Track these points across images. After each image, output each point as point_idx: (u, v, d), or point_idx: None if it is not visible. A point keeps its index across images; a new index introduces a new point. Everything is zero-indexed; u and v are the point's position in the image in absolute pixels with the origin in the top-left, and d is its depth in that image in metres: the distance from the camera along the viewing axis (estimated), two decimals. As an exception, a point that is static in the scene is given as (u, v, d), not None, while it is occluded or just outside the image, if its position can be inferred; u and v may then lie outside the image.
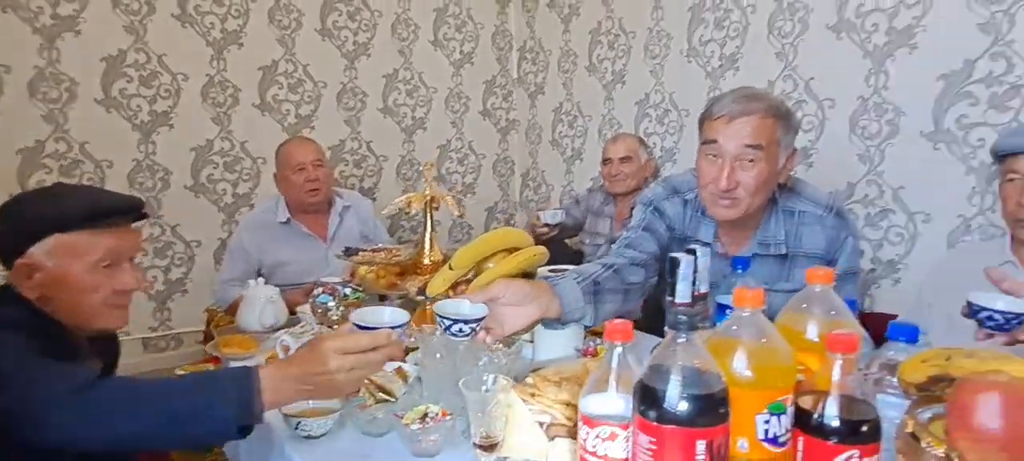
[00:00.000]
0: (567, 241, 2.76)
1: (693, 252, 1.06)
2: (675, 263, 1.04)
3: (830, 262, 1.41)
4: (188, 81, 2.88)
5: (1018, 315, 0.96)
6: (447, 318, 1.06)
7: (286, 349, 1.46)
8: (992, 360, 0.71)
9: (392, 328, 1.05)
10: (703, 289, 1.11)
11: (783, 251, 1.42)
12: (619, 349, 0.79)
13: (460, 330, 1.06)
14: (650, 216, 1.53)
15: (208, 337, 2.54)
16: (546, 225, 2.56)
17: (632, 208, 2.45)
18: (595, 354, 1.43)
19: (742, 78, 2.45)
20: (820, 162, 2.23)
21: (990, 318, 0.97)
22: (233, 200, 3.06)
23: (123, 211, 1.16)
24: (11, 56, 2.51)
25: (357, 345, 0.97)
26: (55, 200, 1.15)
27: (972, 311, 1.00)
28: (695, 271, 1.05)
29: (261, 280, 1.85)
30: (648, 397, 0.71)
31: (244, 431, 0.94)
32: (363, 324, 1.04)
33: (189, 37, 2.85)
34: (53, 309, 1.10)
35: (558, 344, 1.45)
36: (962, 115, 1.87)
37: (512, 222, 3.94)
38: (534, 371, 1.39)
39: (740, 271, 1.27)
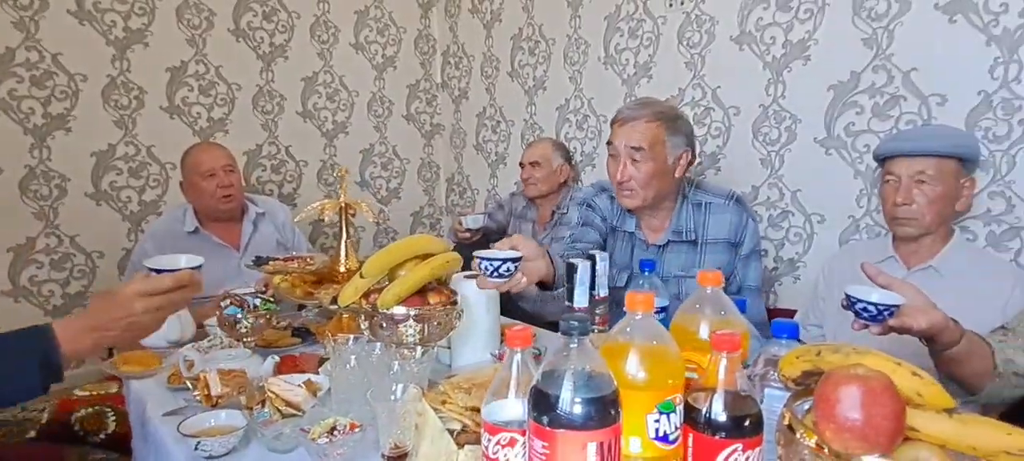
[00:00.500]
0: (491, 245, 2.77)
1: (592, 258, 1.10)
2: (572, 269, 1.07)
3: (736, 244, 1.65)
4: (87, 82, 2.71)
5: (888, 306, 1.02)
6: (495, 259, 1.20)
7: (190, 365, 1.40)
8: (854, 354, 0.77)
9: (191, 269, 1.10)
10: (602, 293, 1.14)
11: (693, 238, 1.64)
12: (518, 355, 0.80)
13: (508, 270, 1.20)
14: (585, 212, 1.75)
15: (111, 352, 2.40)
16: (468, 230, 2.58)
17: (553, 212, 2.51)
18: (510, 359, 1.45)
19: (655, 85, 2.54)
20: (727, 166, 2.35)
21: (864, 309, 1.04)
22: (139, 208, 2.90)
23: None
24: None
25: (160, 286, 1.03)
26: None
27: (849, 303, 1.06)
28: (593, 276, 1.08)
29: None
30: (541, 402, 0.72)
31: (47, 387, 0.98)
32: (161, 268, 1.08)
33: (88, 35, 2.68)
34: None
35: (475, 349, 1.46)
36: (850, 123, 2.01)
37: (438, 226, 3.92)
38: (449, 378, 1.40)
39: (647, 273, 1.32)
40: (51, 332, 0.97)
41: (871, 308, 1.03)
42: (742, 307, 1.03)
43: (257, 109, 3.18)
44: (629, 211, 1.69)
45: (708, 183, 1.74)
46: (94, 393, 2.06)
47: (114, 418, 1.96)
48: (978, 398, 1.19)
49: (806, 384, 0.84)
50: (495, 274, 1.20)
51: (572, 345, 0.73)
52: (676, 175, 1.62)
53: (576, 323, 0.72)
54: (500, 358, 1.44)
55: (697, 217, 1.66)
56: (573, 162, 2.80)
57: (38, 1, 2.56)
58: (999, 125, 1.73)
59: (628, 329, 0.81)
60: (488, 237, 2.75)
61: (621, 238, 1.75)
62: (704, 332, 0.93)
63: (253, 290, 1.87)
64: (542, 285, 1.40)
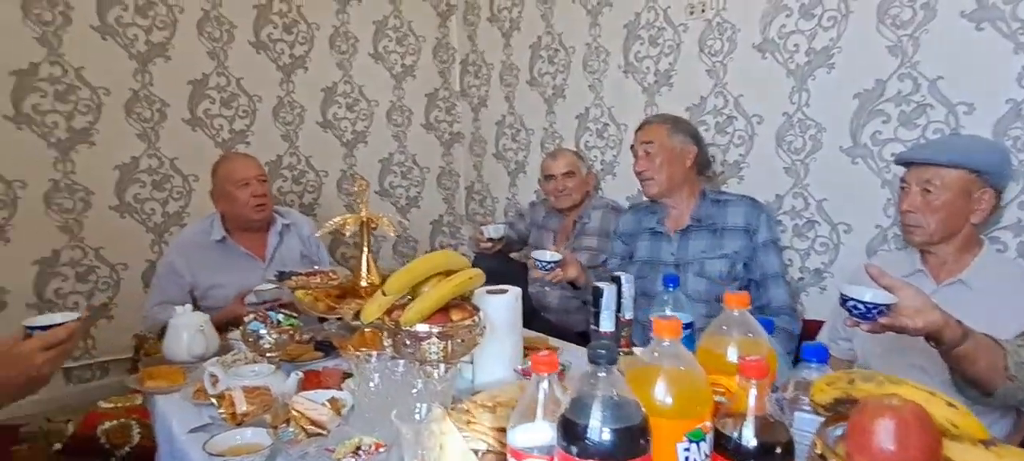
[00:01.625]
0: (512, 255, 2.77)
1: (617, 280, 1.08)
2: (598, 293, 1.06)
3: (752, 232, 1.93)
4: (110, 96, 2.75)
5: (879, 305, 1.05)
6: (542, 260, 1.79)
7: (215, 380, 1.41)
8: (889, 384, 0.75)
9: (74, 320, 1.21)
10: (628, 316, 1.13)
11: (714, 225, 1.95)
12: (545, 381, 0.79)
13: (552, 266, 1.79)
14: (622, 244, 2.17)
15: (136, 365, 2.43)
16: (490, 239, 2.56)
17: (575, 222, 2.49)
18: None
19: (676, 93, 2.52)
20: (750, 175, 2.32)
21: (855, 307, 1.07)
22: (162, 220, 2.94)
23: None
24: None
25: (57, 338, 1.15)
26: None
27: (842, 301, 1.09)
28: (619, 299, 1.07)
29: (188, 307, 1.78)
30: (570, 431, 0.71)
31: None
32: (43, 324, 1.19)
33: (110, 49, 2.73)
34: None
35: (498, 365, 1.45)
36: (876, 131, 1.97)
37: (457, 235, 3.93)
38: (472, 395, 1.39)
39: (672, 288, 1.30)
40: None
41: (861, 306, 1.06)
42: (768, 327, 1.01)
43: (278, 120, 3.21)
44: (651, 201, 2.08)
45: (726, 190, 2.09)
46: (119, 406, 2.08)
47: (139, 431, 1.98)
48: (994, 400, 1.18)
49: (837, 411, 0.82)
50: (542, 268, 1.77)
51: (600, 373, 0.72)
52: (686, 164, 1.99)
53: (603, 352, 0.71)
54: (524, 374, 1.43)
55: (715, 209, 1.97)
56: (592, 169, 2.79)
57: (61, 16, 2.61)
58: (1029, 134, 1.69)
59: (656, 355, 0.80)
60: (510, 247, 2.74)
61: (643, 237, 2.08)
62: (732, 355, 0.92)
63: (272, 288, 1.91)
64: (573, 285, 1.92)
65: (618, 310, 1.06)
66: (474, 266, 1.41)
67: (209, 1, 2.94)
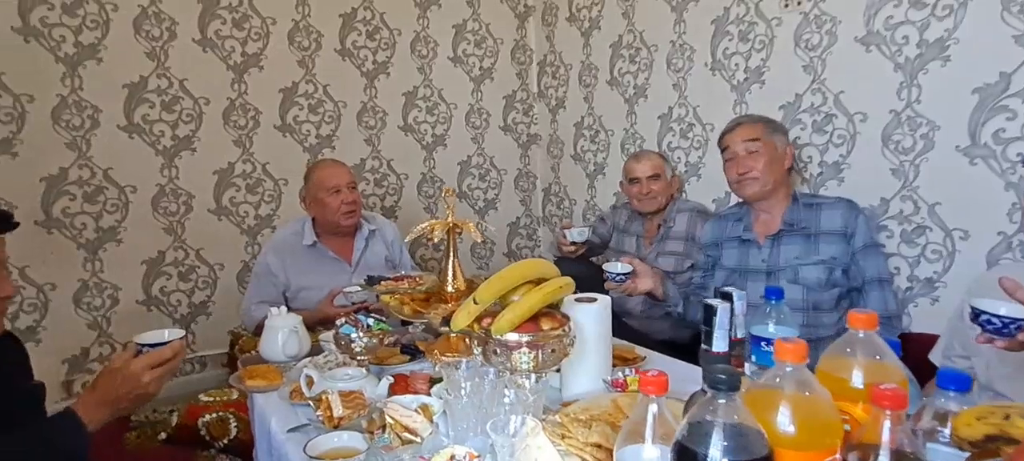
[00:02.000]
0: (593, 259, 2.72)
1: (729, 297, 1.02)
2: (710, 311, 1.00)
3: (849, 236, 1.83)
4: (210, 105, 2.90)
5: (1016, 320, 0.98)
6: (614, 272, 1.85)
7: (310, 382, 1.45)
8: (1057, 422, 0.67)
9: (178, 339, 1.25)
10: (740, 335, 1.07)
11: (807, 230, 1.87)
12: (654, 404, 0.76)
13: (623, 278, 1.86)
14: (705, 256, 2.11)
15: (232, 359, 2.55)
16: (573, 243, 2.52)
17: (660, 226, 2.42)
18: (625, 386, 1.40)
19: (768, 91, 2.40)
20: (851, 176, 2.17)
21: (989, 322, 0.99)
22: (255, 222, 3.08)
23: None
24: (35, 85, 2.55)
25: (161, 357, 1.20)
26: None
27: (974, 315, 1.02)
28: (732, 316, 1.01)
29: (284, 309, 1.84)
30: (687, 459, 0.67)
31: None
32: (152, 342, 1.23)
33: (210, 62, 2.88)
34: None
35: (587, 376, 1.42)
36: (999, 129, 1.80)
37: (535, 237, 3.91)
38: (564, 405, 1.36)
39: (774, 301, 1.22)
40: (74, 414, 1.15)
41: (996, 321, 0.99)
42: (897, 350, 0.93)
43: (361, 125, 3.29)
44: (739, 204, 2.05)
45: (824, 192, 2.10)
46: (218, 399, 2.18)
47: (236, 425, 2.06)
48: None
49: (987, 448, 0.73)
50: (612, 279, 1.82)
51: (720, 399, 0.68)
52: (785, 165, 1.93)
53: (724, 378, 0.66)
54: (614, 385, 1.39)
55: (809, 213, 1.89)
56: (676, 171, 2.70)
57: (167, 32, 2.77)
58: None
59: (778, 380, 0.74)
60: (592, 250, 2.69)
61: (729, 245, 2.01)
62: (857, 380, 0.84)
63: (360, 290, 1.96)
64: (652, 296, 1.96)
65: (731, 330, 1.00)
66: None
67: (299, 12, 3.05)
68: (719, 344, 0.99)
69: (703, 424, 0.68)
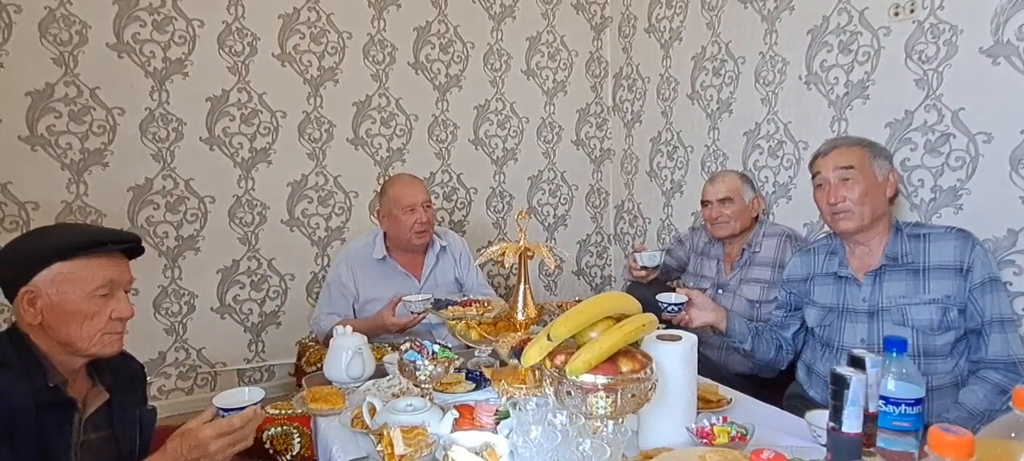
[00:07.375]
0: (669, 284, 2.56)
1: (862, 364, 0.86)
2: (842, 383, 0.84)
3: (966, 271, 1.57)
4: (286, 118, 2.94)
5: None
6: (667, 302, 1.73)
7: (372, 411, 1.39)
8: None
9: (253, 405, 1.20)
10: (873, 409, 0.90)
11: (914, 265, 1.63)
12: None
13: (677, 309, 1.74)
14: (788, 292, 1.88)
15: (298, 370, 2.54)
16: (644, 267, 2.37)
17: (743, 249, 2.24)
18: (711, 437, 1.25)
19: (873, 107, 2.18)
20: (971, 203, 1.93)
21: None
22: (326, 234, 3.09)
23: (118, 243, 1.27)
24: (125, 98, 2.64)
25: (231, 427, 1.15)
26: (56, 232, 1.28)
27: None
28: (866, 387, 0.85)
29: (349, 329, 1.80)
30: None
31: None
32: (228, 407, 1.19)
33: (288, 76, 2.91)
34: (52, 336, 1.18)
35: (669, 423, 1.28)
36: None
37: (605, 255, 3.76)
38: (645, 457, 1.23)
39: (895, 354, 1.05)
40: None
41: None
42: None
43: (432, 138, 3.26)
44: (830, 237, 1.81)
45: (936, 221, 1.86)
46: (283, 412, 2.16)
47: (299, 440, 2.04)
48: None
49: None
50: (666, 310, 1.71)
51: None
52: (887, 194, 1.69)
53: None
54: (699, 434, 1.25)
55: (914, 245, 1.65)
56: (761, 193, 2.50)
57: (248, 48, 2.82)
58: None
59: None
60: (668, 275, 2.52)
61: (822, 282, 1.79)
62: (1028, 470, 0.68)
63: (421, 299, 1.91)
64: (714, 331, 1.83)
65: (865, 403, 0.84)
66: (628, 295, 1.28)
67: (374, 26, 3.05)
68: (851, 424, 0.83)
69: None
